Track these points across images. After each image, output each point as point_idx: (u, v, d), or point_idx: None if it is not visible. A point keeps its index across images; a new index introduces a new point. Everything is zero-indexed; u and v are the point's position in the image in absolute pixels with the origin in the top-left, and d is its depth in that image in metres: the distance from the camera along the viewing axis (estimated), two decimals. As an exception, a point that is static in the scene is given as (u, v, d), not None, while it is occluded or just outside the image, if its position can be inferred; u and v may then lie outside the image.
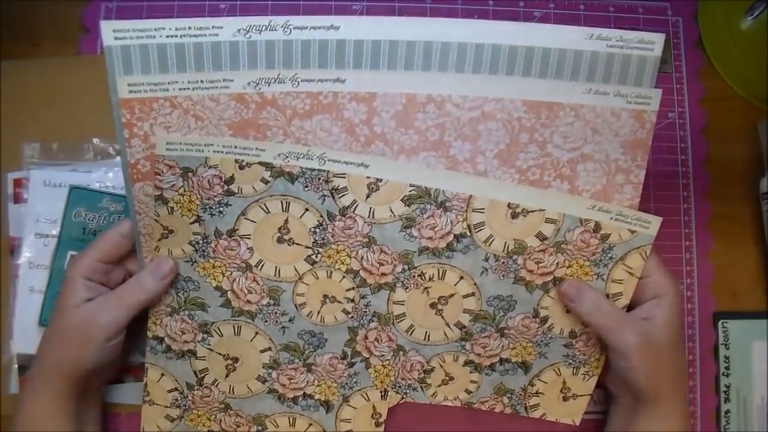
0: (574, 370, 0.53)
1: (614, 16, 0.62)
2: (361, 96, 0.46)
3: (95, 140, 0.54)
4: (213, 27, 0.45)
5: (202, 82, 0.46)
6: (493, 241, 0.49)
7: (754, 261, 0.62)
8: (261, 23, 0.45)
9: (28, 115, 0.54)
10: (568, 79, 0.48)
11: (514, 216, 0.48)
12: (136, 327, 0.50)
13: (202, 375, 0.53)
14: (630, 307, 0.51)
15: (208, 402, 0.53)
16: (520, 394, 0.54)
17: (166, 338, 0.52)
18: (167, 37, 0.45)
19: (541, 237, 0.49)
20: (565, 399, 0.54)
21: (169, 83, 0.46)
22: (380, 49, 0.46)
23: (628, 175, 0.49)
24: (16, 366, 0.53)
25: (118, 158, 0.53)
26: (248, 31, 0.45)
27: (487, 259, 0.49)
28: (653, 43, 0.47)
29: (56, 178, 0.53)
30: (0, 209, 0.53)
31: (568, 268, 0.50)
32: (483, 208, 0.48)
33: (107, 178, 0.53)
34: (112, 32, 0.45)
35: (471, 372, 0.53)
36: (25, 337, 0.52)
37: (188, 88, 0.46)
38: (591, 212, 0.48)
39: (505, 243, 0.49)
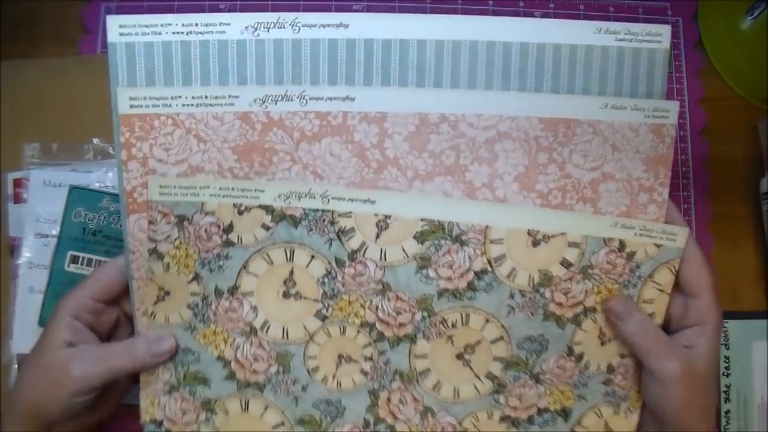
0: (615, 408, 0.49)
1: (614, 17, 0.62)
2: (372, 116, 0.46)
3: (95, 140, 0.54)
4: (220, 23, 0.45)
5: (206, 98, 0.45)
6: (516, 274, 0.46)
7: (754, 261, 0.63)
8: (269, 20, 0.45)
9: (28, 115, 0.55)
10: (581, 78, 0.48)
11: (536, 243, 0.46)
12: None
13: (208, 462, 0.47)
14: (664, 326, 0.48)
15: (217, 493, 0.48)
16: None
17: (165, 422, 0.47)
18: (173, 33, 0.45)
19: (566, 264, 0.46)
20: None
21: (172, 98, 0.45)
22: (391, 51, 0.46)
23: (651, 193, 0.47)
24: (16, 366, 0.53)
25: None
26: (256, 29, 0.45)
27: (512, 296, 0.46)
28: (660, 34, 0.47)
29: (56, 178, 0.53)
30: (0, 209, 0.53)
31: (597, 294, 0.47)
32: (502, 239, 0.45)
33: (107, 178, 0.54)
34: (117, 27, 0.44)
35: (509, 429, 0.49)
36: (25, 337, 0.52)
37: (192, 104, 0.45)
38: (614, 230, 0.46)
39: (530, 275, 0.46)
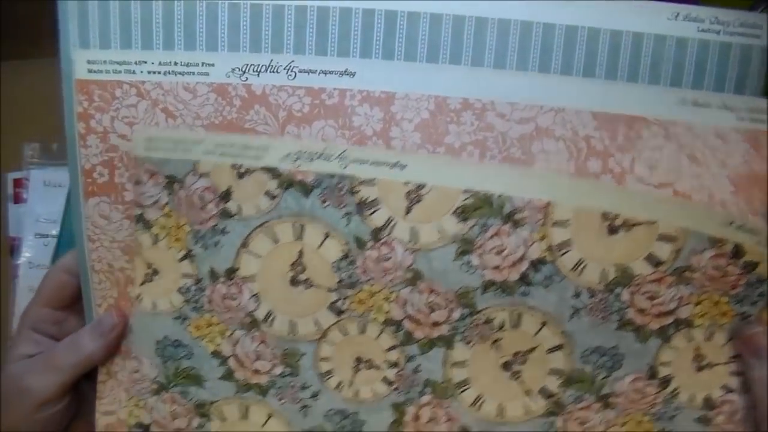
0: None
1: None
2: (376, 97, 0.37)
3: None
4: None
5: (176, 64, 0.37)
6: (584, 267, 0.36)
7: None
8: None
9: (28, 115, 0.55)
10: (646, 78, 0.37)
11: (613, 230, 0.36)
12: None
13: (199, 477, 0.39)
14: None
15: None
16: None
17: (152, 426, 0.41)
18: None
19: (653, 261, 0.36)
20: None
21: (136, 63, 0.37)
22: (395, 25, 0.36)
23: None
24: None
25: None
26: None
27: (578, 295, 0.36)
28: (760, 27, 0.36)
29: (56, 178, 0.54)
30: (0, 209, 0.54)
31: (696, 305, 0.36)
32: (567, 220, 0.36)
33: None
34: None
35: None
36: None
37: (159, 72, 0.37)
38: (728, 230, 0.35)
39: (602, 270, 0.36)
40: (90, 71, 0.38)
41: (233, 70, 0.37)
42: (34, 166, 0.55)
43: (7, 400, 0.39)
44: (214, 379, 0.40)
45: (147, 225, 0.39)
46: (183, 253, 0.39)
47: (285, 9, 0.36)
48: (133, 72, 0.37)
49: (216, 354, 0.40)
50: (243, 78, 0.36)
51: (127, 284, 0.40)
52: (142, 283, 0.39)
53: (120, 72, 0.37)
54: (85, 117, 0.38)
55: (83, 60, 0.38)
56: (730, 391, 0.38)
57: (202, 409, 0.40)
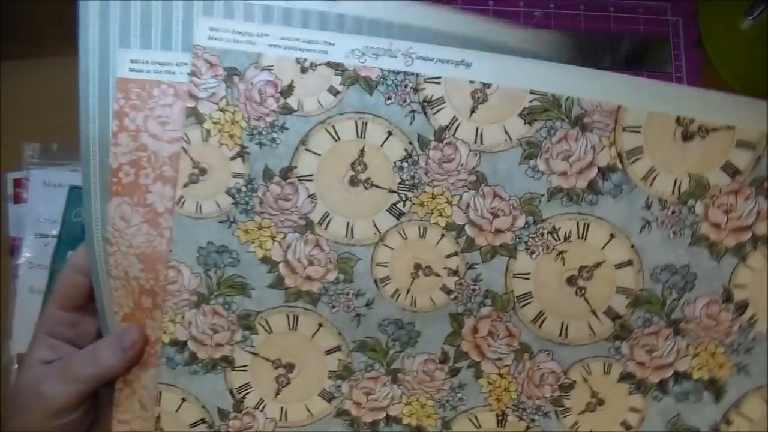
0: None
1: (614, 16, 0.61)
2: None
3: None
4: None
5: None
6: (656, 176, 0.35)
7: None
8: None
9: (28, 115, 0.55)
10: None
11: (687, 137, 0.35)
12: None
13: (242, 394, 0.39)
14: None
15: (250, 436, 0.38)
16: None
17: (190, 342, 0.39)
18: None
19: (730, 171, 0.35)
20: None
21: (177, 65, 0.37)
22: None
23: None
24: (17, 366, 0.52)
25: None
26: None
27: (649, 206, 0.35)
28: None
29: (56, 178, 0.54)
30: (0, 209, 0.54)
31: None
32: (639, 126, 0.35)
33: None
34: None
35: (631, 393, 0.37)
36: (25, 338, 0.48)
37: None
38: None
39: (676, 180, 0.35)
40: (131, 70, 0.37)
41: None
42: (34, 166, 0.55)
43: (22, 406, 0.38)
44: (262, 288, 0.38)
45: (199, 119, 0.37)
46: (236, 150, 0.38)
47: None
48: (173, 73, 0.37)
49: (265, 260, 0.38)
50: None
51: (141, 295, 0.39)
52: (185, 185, 0.38)
53: (161, 72, 0.37)
54: (120, 115, 0.37)
55: (126, 59, 0.37)
56: None
57: (246, 321, 0.39)
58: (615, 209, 0.36)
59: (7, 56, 0.56)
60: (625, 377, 0.37)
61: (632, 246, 0.36)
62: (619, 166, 0.36)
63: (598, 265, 0.37)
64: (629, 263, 0.37)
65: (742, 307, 0.36)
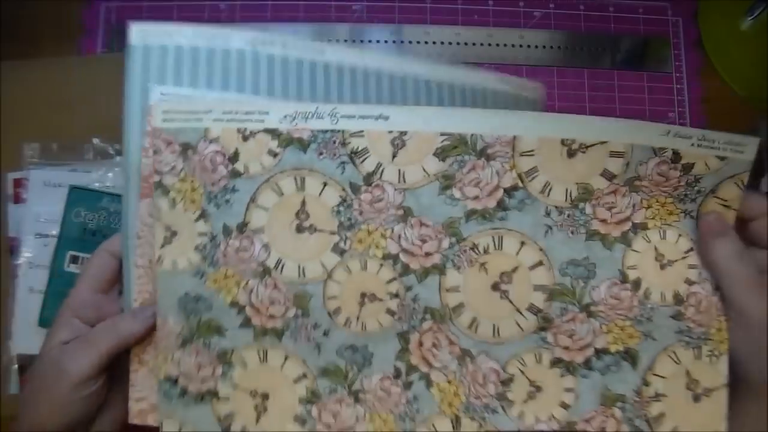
0: (695, 351, 0.42)
1: (614, 16, 0.63)
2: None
3: (95, 140, 0.55)
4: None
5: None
6: (551, 189, 0.42)
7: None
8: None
9: (28, 115, 0.56)
10: None
11: (571, 154, 0.42)
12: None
13: (227, 422, 0.44)
14: None
15: (237, 460, 0.43)
16: (635, 401, 0.42)
17: (180, 378, 0.44)
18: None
19: (608, 176, 0.41)
20: (696, 399, 0.43)
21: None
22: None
23: None
24: (16, 366, 0.53)
25: (118, 158, 0.54)
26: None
27: (548, 214, 0.42)
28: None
29: (56, 178, 0.54)
30: (0, 209, 0.54)
31: (648, 209, 0.42)
32: (532, 150, 0.41)
33: (107, 178, 0.54)
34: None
35: (563, 375, 0.43)
36: (25, 338, 0.53)
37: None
38: (665, 139, 0.41)
39: (567, 190, 0.42)
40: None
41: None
42: (34, 166, 0.55)
43: (44, 386, 0.42)
44: (234, 328, 0.44)
45: (165, 191, 0.44)
46: (198, 213, 0.44)
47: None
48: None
49: (233, 304, 0.44)
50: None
51: None
52: (162, 246, 0.44)
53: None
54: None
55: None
56: (691, 283, 0.42)
57: (224, 358, 0.44)
58: (522, 220, 0.43)
59: (7, 56, 0.57)
60: (555, 362, 0.43)
61: (540, 249, 0.43)
62: (521, 184, 0.42)
63: (515, 269, 0.43)
64: (540, 264, 0.43)
65: (636, 284, 0.43)
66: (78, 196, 0.53)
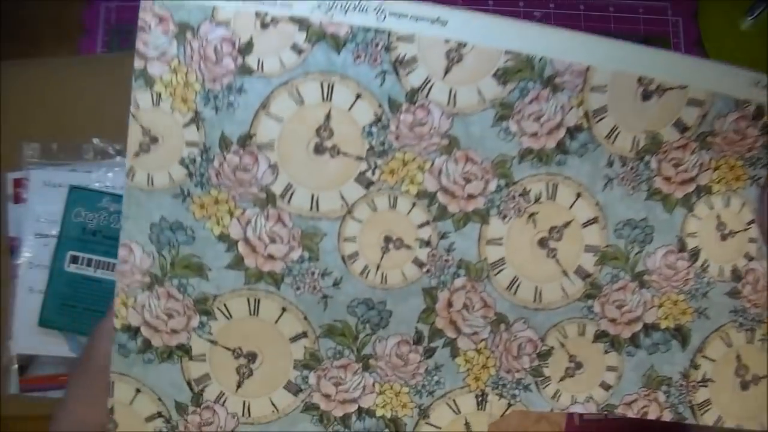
0: (748, 334, 0.38)
1: (614, 16, 0.63)
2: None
3: (95, 140, 0.55)
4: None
5: None
6: (617, 135, 0.36)
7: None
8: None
9: (28, 115, 0.55)
10: None
11: (647, 96, 0.36)
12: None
13: (201, 386, 0.35)
14: None
15: (209, 435, 0.34)
16: (681, 385, 0.38)
17: (143, 328, 0.35)
18: None
19: (680, 127, 0.36)
20: (744, 386, 0.39)
21: None
22: None
23: None
24: (16, 366, 0.52)
25: (118, 158, 0.54)
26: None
27: (611, 164, 0.36)
28: None
29: (56, 178, 0.54)
30: (0, 209, 0.54)
31: (715, 170, 0.38)
32: (605, 86, 0.35)
33: (107, 178, 0.54)
34: None
35: (606, 351, 0.37)
36: (25, 338, 0.52)
37: None
38: (753, 91, 0.37)
39: (634, 138, 0.36)
40: None
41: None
42: (34, 166, 0.55)
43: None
44: (220, 269, 0.35)
45: (149, 81, 0.33)
46: (189, 116, 0.34)
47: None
48: None
49: (223, 237, 0.35)
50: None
51: None
52: (136, 154, 0.34)
53: None
54: None
55: None
56: (751, 259, 0.38)
57: (203, 305, 0.35)
58: (581, 168, 0.36)
59: (7, 56, 0.56)
60: (599, 336, 0.38)
61: (597, 204, 0.37)
62: (586, 125, 0.36)
63: (567, 224, 0.37)
64: (595, 221, 0.37)
65: (695, 254, 0.38)
66: (78, 196, 0.53)
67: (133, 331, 0.35)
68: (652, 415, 0.38)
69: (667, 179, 0.37)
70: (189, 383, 0.35)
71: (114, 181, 0.54)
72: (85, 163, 0.55)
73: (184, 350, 0.35)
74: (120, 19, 0.60)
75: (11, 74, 0.55)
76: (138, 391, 0.35)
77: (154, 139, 0.34)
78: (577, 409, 0.38)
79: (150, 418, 0.35)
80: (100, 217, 0.53)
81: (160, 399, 0.35)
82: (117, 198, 0.53)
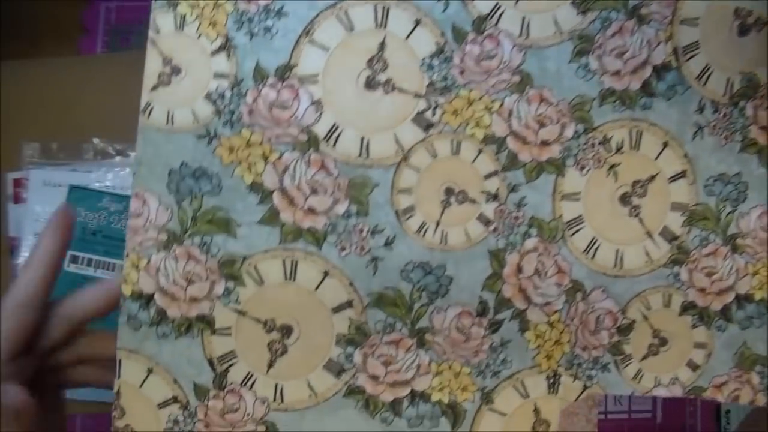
0: None
1: None
2: None
3: (95, 140, 0.55)
4: None
5: None
6: (710, 75, 0.32)
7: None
8: None
9: (28, 115, 0.56)
10: None
11: (744, 30, 0.32)
12: None
13: (225, 366, 0.30)
14: None
15: (236, 424, 0.29)
16: None
17: (157, 295, 0.30)
18: None
19: None
20: None
21: None
22: None
23: None
24: None
25: (118, 158, 0.55)
26: None
27: (701, 109, 0.32)
28: None
29: (56, 178, 0.55)
30: (0, 209, 0.55)
31: None
32: (697, 19, 0.31)
33: (107, 178, 0.55)
34: None
35: (694, 326, 0.33)
36: None
37: None
38: None
39: (728, 79, 0.32)
40: None
41: None
42: (34, 165, 0.55)
43: None
44: (251, 224, 0.30)
45: (171, 1, 0.28)
46: (219, 42, 0.29)
47: None
48: None
49: (255, 187, 0.30)
50: None
51: None
52: (154, 87, 0.29)
53: None
54: None
55: None
56: None
57: (230, 269, 0.29)
58: (669, 114, 0.32)
59: (7, 56, 0.57)
60: (687, 308, 0.33)
61: (685, 155, 0.32)
62: (675, 63, 0.31)
63: (652, 178, 0.32)
64: (683, 175, 0.32)
65: None
66: (78, 196, 0.53)
67: (146, 299, 0.29)
68: (744, 400, 0.33)
69: (764, 128, 0.33)
70: (211, 362, 0.30)
71: (114, 181, 0.55)
72: (85, 163, 0.55)
73: (206, 322, 0.30)
74: (120, 19, 0.60)
75: (11, 74, 0.56)
76: (150, 371, 0.29)
77: (177, 70, 0.29)
78: (660, 392, 0.33)
79: (163, 404, 0.30)
80: (100, 216, 0.53)
81: (176, 381, 0.30)
82: (117, 198, 0.53)
